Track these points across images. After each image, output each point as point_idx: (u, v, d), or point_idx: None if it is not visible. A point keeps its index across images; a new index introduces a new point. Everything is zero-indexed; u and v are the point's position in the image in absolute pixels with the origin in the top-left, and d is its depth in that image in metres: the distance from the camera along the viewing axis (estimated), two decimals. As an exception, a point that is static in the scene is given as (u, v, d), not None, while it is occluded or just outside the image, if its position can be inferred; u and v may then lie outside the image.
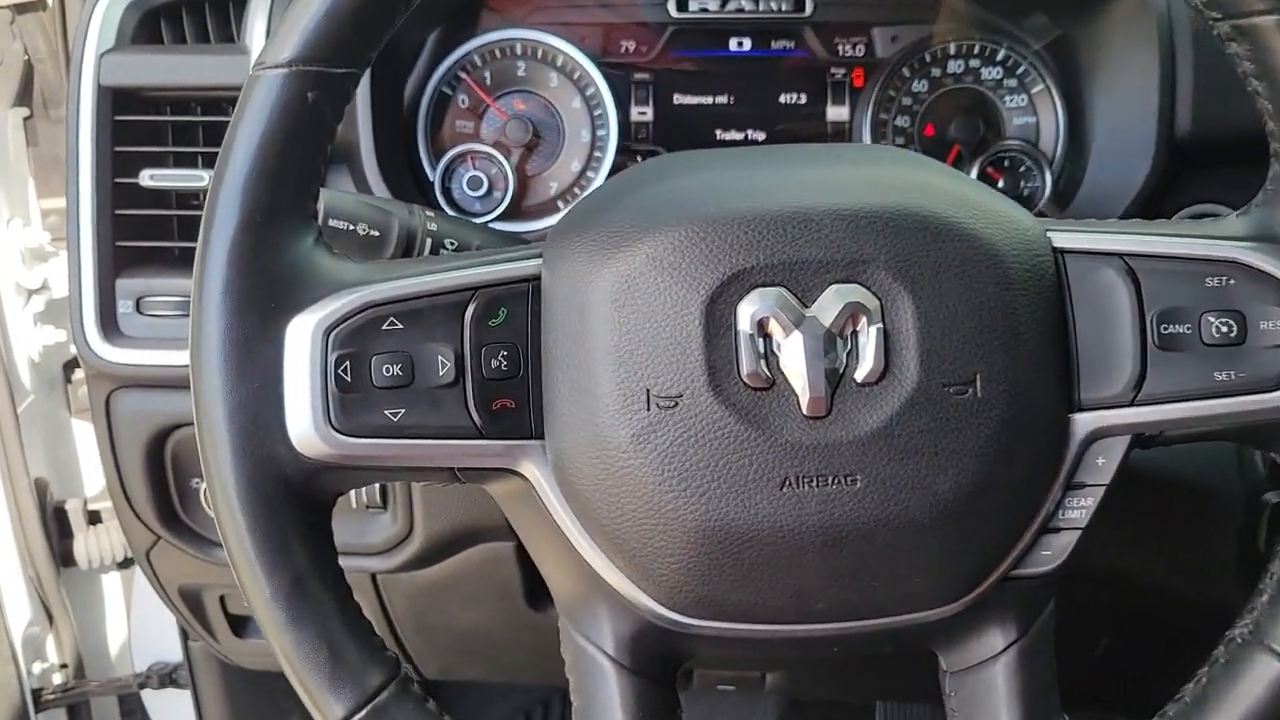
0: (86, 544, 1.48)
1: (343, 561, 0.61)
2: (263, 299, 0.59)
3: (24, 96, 1.35)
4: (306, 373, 0.59)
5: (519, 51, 1.00)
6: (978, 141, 0.99)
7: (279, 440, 0.58)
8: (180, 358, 0.59)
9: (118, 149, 0.94)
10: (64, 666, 1.50)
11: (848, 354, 0.58)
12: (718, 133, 1.02)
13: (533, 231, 0.99)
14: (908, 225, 0.59)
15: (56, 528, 1.47)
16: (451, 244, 0.78)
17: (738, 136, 1.02)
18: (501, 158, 0.98)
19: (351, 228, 0.74)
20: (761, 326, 0.58)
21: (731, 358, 0.58)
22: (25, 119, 1.38)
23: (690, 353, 0.58)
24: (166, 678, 1.52)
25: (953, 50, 1.01)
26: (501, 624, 1.09)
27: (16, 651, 1.43)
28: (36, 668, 1.47)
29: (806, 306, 0.58)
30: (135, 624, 1.59)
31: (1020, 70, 1.01)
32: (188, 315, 0.60)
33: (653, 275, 0.59)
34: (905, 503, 0.58)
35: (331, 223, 0.74)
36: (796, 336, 0.58)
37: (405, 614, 1.10)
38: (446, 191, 0.98)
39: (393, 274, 0.61)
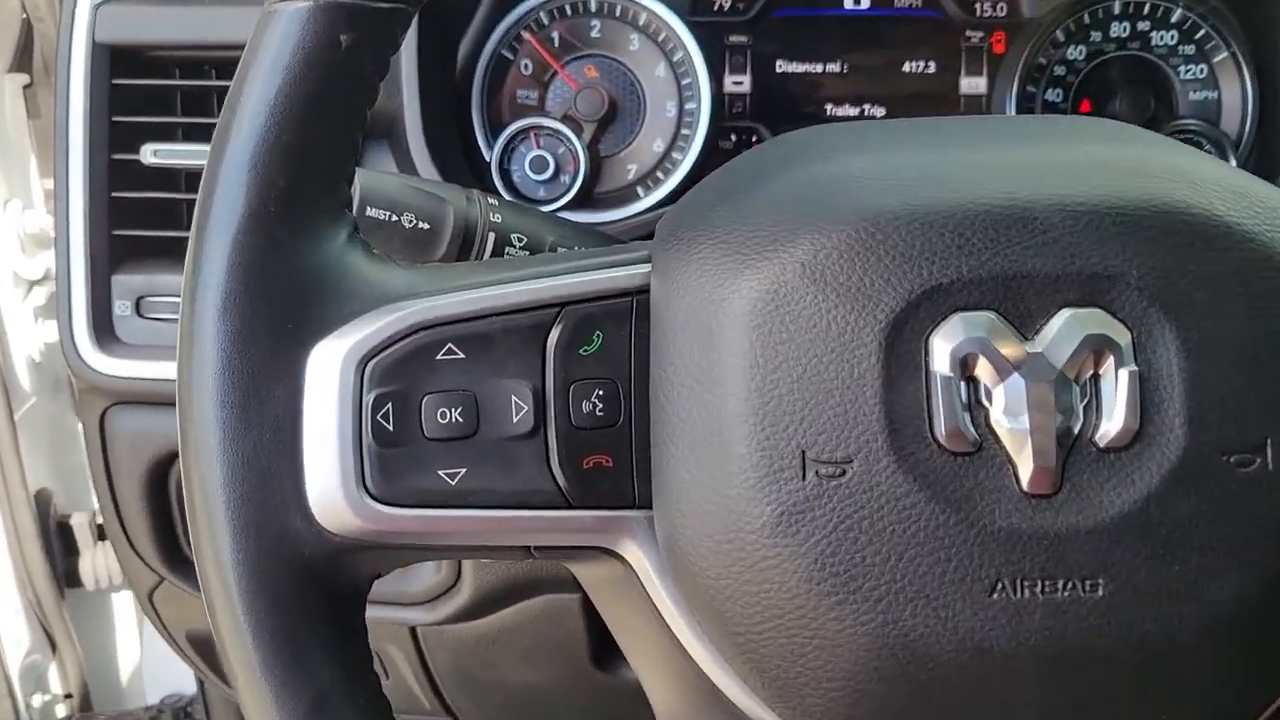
0: (94, 562, 1.38)
1: (380, 613, 0.50)
2: (276, 318, 0.45)
3: (23, 61, 1.23)
4: (334, 419, 0.46)
5: (593, 8, 0.88)
6: (1146, 120, 0.86)
7: (295, 510, 0.45)
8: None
9: (116, 119, 0.84)
10: (68, 697, 1.41)
11: (1086, 407, 0.44)
12: (828, 107, 0.90)
13: (608, 223, 0.86)
14: (1168, 226, 0.44)
15: (60, 544, 1.37)
16: (519, 240, 0.63)
17: (851, 112, 0.90)
18: (571, 134, 0.86)
19: (395, 218, 0.60)
20: (965, 366, 0.44)
21: (922, 410, 0.44)
22: (25, 87, 1.26)
23: (864, 401, 0.44)
24: (181, 712, 1.42)
25: (1116, 10, 0.87)
26: (562, 684, 0.96)
27: (13, 683, 1.34)
28: (36, 700, 1.38)
29: (1028, 339, 0.44)
30: (148, 650, 1.49)
31: (1199, 35, 0.87)
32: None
33: (810, 292, 0.44)
34: (1165, 615, 0.44)
35: (370, 212, 0.60)
36: (1015, 381, 0.43)
37: (448, 668, 0.98)
38: (505, 174, 0.86)
39: (451, 283, 0.48)
